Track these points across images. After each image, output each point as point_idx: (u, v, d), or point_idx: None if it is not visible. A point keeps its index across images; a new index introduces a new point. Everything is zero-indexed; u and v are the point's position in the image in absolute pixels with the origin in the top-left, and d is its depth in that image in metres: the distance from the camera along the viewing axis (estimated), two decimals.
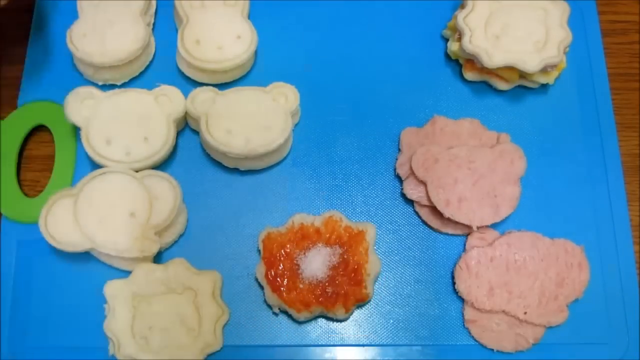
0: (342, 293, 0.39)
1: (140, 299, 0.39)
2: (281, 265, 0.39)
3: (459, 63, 0.48)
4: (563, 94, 0.47)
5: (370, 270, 0.40)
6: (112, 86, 0.46)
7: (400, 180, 0.44)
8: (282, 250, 0.40)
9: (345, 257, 0.39)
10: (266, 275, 0.39)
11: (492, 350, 0.40)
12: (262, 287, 0.40)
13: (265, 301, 0.40)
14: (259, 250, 0.41)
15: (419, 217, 0.43)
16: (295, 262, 0.39)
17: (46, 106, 0.46)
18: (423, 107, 0.47)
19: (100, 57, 0.44)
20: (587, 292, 0.41)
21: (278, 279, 0.39)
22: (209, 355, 0.39)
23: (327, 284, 0.39)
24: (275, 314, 0.40)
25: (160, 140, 0.42)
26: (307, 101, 0.46)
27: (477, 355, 0.40)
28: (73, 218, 0.40)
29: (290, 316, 0.40)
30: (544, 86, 0.47)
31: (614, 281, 0.42)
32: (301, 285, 0.39)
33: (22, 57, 0.48)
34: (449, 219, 0.42)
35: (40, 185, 0.45)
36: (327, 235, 0.40)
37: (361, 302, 0.40)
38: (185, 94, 0.44)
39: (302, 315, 0.39)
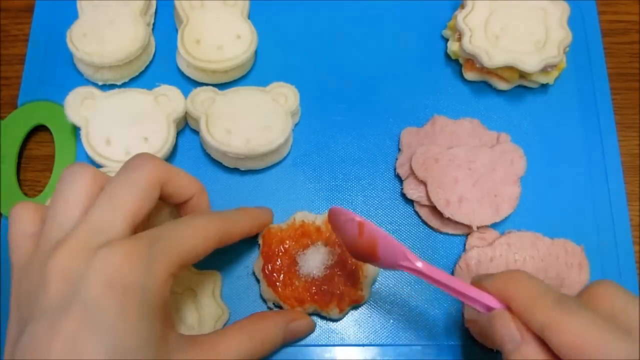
0: (337, 293, 0.39)
1: None
2: (279, 260, 0.39)
3: (459, 63, 0.48)
4: (563, 94, 0.47)
5: (368, 272, 0.40)
6: (112, 86, 0.46)
7: (400, 180, 0.44)
8: (281, 246, 0.40)
9: (344, 257, 0.39)
10: (263, 270, 0.39)
11: (492, 350, 0.40)
12: (258, 282, 0.40)
13: (261, 296, 0.40)
14: (258, 245, 0.41)
15: (419, 217, 0.43)
16: (293, 258, 0.40)
17: (46, 106, 0.46)
18: (423, 107, 0.47)
19: (100, 57, 0.44)
20: None
21: (274, 274, 0.39)
22: None
23: (322, 282, 0.39)
24: (269, 308, 0.40)
25: (160, 140, 0.42)
26: (307, 101, 0.46)
27: (477, 355, 0.40)
28: None
29: None
30: (544, 86, 0.47)
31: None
32: (297, 282, 0.39)
33: (22, 57, 0.48)
34: (449, 219, 0.42)
35: (40, 185, 0.45)
36: (328, 234, 0.40)
37: (356, 304, 0.40)
38: (185, 94, 0.44)
39: None
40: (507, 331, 0.29)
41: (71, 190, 0.31)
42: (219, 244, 0.33)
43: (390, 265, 0.34)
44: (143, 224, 0.32)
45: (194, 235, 0.31)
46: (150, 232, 0.30)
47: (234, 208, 0.38)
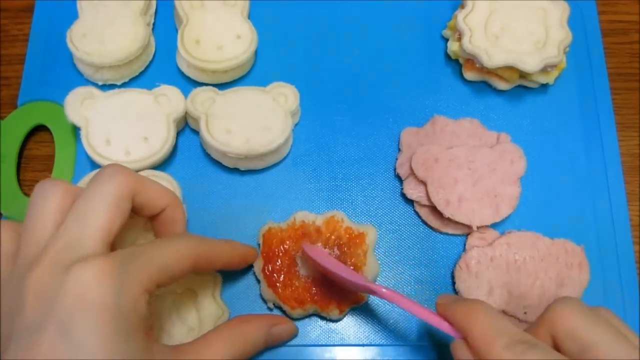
0: (337, 294, 0.39)
1: None
2: (279, 261, 0.39)
3: (459, 63, 0.48)
4: (563, 94, 0.47)
5: (367, 273, 0.39)
6: (112, 86, 0.46)
7: (400, 180, 0.44)
8: (282, 246, 0.40)
9: (343, 258, 0.39)
10: (263, 270, 0.39)
11: None
12: (259, 282, 0.40)
13: (261, 296, 0.40)
14: (258, 244, 0.41)
15: (419, 217, 0.43)
16: (293, 259, 0.39)
17: (46, 106, 0.46)
18: (423, 107, 0.47)
19: (100, 57, 0.44)
20: (587, 292, 0.41)
21: (275, 275, 0.39)
22: None
23: (322, 283, 0.39)
24: (270, 309, 0.40)
25: (160, 140, 0.42)
26: (307, 101, 0.46)
27: None
28: None
29: (284, 312, 0.40)
30: (544, 86, 0.47)
31: (614, 281, 0.42)
32: (297, 283, 0.39)
33: (22, 57, 0.48)
34: (449, 219, 0.42)
35: None
36: (328, 235, 0.40)
37: (356, 304, 0.40)
38: (185, 94, 0.44)
39: (296, 313, 0.39)
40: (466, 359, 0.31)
41: (43, 207, 0.31)
42: (195, 267, 0.33)
43: (365, 292, 0.37)
44: (120, 238, 0.32)
45: (168, 254, 0.31)
46: (124, 250, 0.30)
47: (220, 238, 0.38)
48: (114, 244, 0.31)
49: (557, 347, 0.30)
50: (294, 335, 0.40)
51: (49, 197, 0.31)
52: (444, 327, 0.33)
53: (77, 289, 0.27)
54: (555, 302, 0.31)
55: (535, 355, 0.28)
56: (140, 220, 0.39)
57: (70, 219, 0.30)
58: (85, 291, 0.27)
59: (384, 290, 0.34)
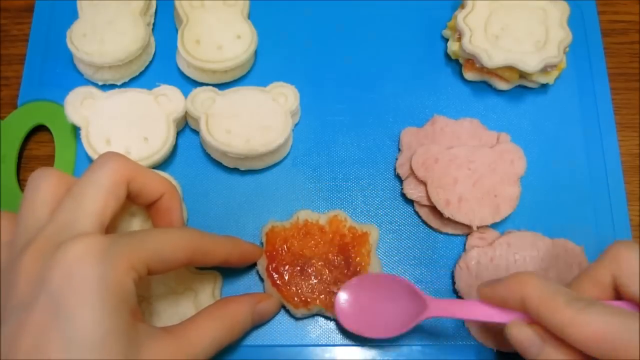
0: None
1: (140, 299, 0.39)
2: (283, 259, 0.39)
3: (459, 63, 0.48)
4: (563, 94, 0.47)
5: (371, 272, 0.40)
6: (112, 86, 0.46)
7: (400, 180, 0.44)
8: (285, 245, 0.40)
9: (347, 258, 0.39)
10: (267, 269, 0.39)
11: (492, 350, 0.40)
12: (262, 280, 0.40)
13: None
14: (261, 243, 0.41)
15: (419, 217, 0.43)
16: (297, 257, 0.39)
17: (46, 106, 0.46)
18: (423, 107, 0.47)
19: (100, 57, 0.44)
20: None
21: (279, 274, 0.39)
22: None
23: (326, 282, 0.39)
24: None
25: (160, 140, 0.42)
26: (307, 101, 0.46)
27: (477, 355, 0.40)
28: None
29: (287, 311, 0.40)
30: (544, 86, 0.47)
31: None
32: (301, 282, 0.39)
33: (22, 57, 0.48)
34: (449, 219, 0.42)
35: None
36: (331, 235, 0.40)
37: None
38: (185, 94, 0.44)
39: (299, 312, 0.39)
40: (527, 337, 0.31)
41: (36, 194, 0.31)
42: (191, 258, 0.33)
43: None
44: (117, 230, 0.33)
45: (162, 240, 0.31)
46: (117, 233, 0.31)
47: (223, 235, 0.38)
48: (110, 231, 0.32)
49: (616, 287, 0.30)
50: (277, 311, 0.40)
51: (42, 184, 0.32)
52: (495, 316, 0.33)
53: (65, 264, 0.28)
54: (619, 244, 0.31)
55: (596, 310, 0.28)
56: (139, 216, 0.39)
57: (64, 205, 0.31)
58: (72, 264, 0.27)
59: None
